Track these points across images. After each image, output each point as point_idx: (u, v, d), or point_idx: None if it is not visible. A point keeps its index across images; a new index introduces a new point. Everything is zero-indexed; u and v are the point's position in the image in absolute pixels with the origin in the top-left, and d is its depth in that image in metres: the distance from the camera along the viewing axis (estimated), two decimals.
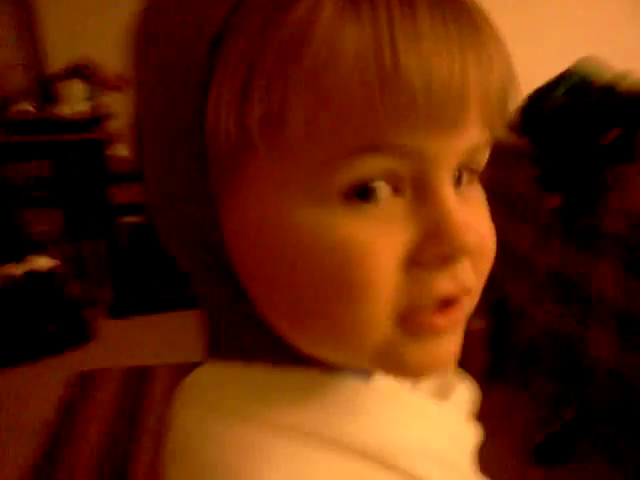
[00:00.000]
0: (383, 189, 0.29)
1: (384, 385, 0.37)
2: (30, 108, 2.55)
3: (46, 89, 4.28)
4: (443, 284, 0.31)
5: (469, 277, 0.32)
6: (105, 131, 2.58)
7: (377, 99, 0.27)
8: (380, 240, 0.29)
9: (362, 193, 0.29)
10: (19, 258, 2.28)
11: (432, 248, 0.30)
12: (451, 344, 0.33)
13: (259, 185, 0.30)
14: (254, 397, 0.34)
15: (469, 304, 0.34)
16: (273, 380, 0.35)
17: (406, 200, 0.30)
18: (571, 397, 1.74)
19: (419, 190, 0.30)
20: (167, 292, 2.77)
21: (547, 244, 1.82)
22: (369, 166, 0.28)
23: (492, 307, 2.16)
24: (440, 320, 0.32)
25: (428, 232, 0.30)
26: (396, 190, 0.30)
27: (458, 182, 0.32)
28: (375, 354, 0.32)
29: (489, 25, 0.31)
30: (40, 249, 2.44)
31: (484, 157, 0.33)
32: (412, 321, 0.31)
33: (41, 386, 2.07)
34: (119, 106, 3.48)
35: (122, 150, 3.85)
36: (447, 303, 0.31)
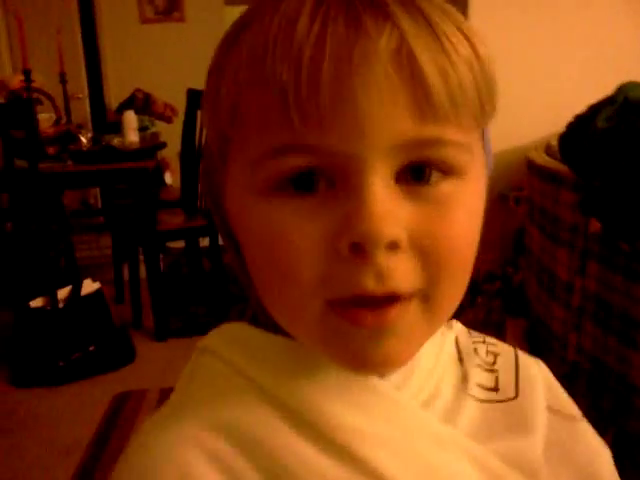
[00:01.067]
0: (310, 182, 0.32)
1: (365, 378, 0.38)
2: (85, 140, 2.68)
3: (104, 120, 4.52)
4: (363, 279, 0.31)
5: (404, 278, 0.32)
6: (155, 160, 2.68)
7: (288, 102, 0.30)
8: (305, 228, 0.32)
9: (292, 185, 0.32)
10: (66, 282, 2.37)
11: (346, 236, 0.31)
12: (387, 345, 0.33)
13: (232, 179, 0.36)
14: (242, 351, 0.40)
15: (417, 308, 0.33)
16: (262, 340, 0.40)
17: (333, 192, 0.32)
18: (609, 425, 1.67)
19: (344, 183, 0.32)
20: (208, 316, 2.83)
21: (586, 269, 1.78)
22: (292, 163, 0.32)
23: (527, 331, 2.11)
24: (363, 317, 0.32)
25: (344, 221, 0.31)
26: (323, 183, 0.32)
27: (421, 179, 0.33)
28: (318, 337, 0.34)
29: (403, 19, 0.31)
30: (86, 273, 2.54)
31: (453, 153, 0.33)
32: (337, 311, 0.32)
33: (84, 405, 2.12)
34: (168, 135, 3.63)
35: (168, 178, 4.00)
36: (375, 301, 0.31)
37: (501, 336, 2.19)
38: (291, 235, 0.32)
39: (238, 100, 0.33)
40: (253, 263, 0.36)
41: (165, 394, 1.63)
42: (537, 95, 2.94)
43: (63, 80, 3.29)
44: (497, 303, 2.41)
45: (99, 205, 4.02)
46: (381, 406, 0.37)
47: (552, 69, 2.93)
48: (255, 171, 0.33)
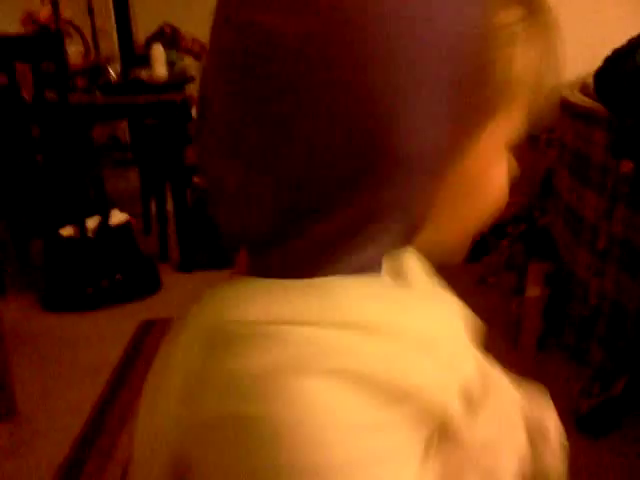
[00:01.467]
0: None
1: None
2: (114, 72, 2.68)
3: (132, 53, 4.49)
4: None
5: None
6: (183, 93, 2.67)
7: None
8: None
9: None
10: (95, 212, 2.42)
11: None
12: None
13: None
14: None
15: None
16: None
17: None
18: (623, 370, 1.68)
19: None
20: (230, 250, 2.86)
21: (613, 212, 1.75)
22: None
23: (551, 275, 2.10)
24: None
25: None
26: None
27: None
28: None
29: None
30: (115, 205, 2.58)
31: None
32: None
33: (111, 330, 2.21)
34: (196, 71, 3.59)
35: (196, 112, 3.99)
36: None
37: (524, 280, 2.18)
38: None
39: None
40: (475, 199, 0.41)
41: None
42: (574, 31, 2.81)
43: (91, 13, 3.26)
44: (520, 246, 2.39)
45: (127, 140, 4.05)
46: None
47: (590, 2, 2.79)
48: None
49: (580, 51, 2.83)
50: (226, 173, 0.37)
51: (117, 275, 2.35)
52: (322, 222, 0.35)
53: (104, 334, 2.19)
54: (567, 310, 2.04)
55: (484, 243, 2.65)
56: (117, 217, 2.45)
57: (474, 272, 2.57)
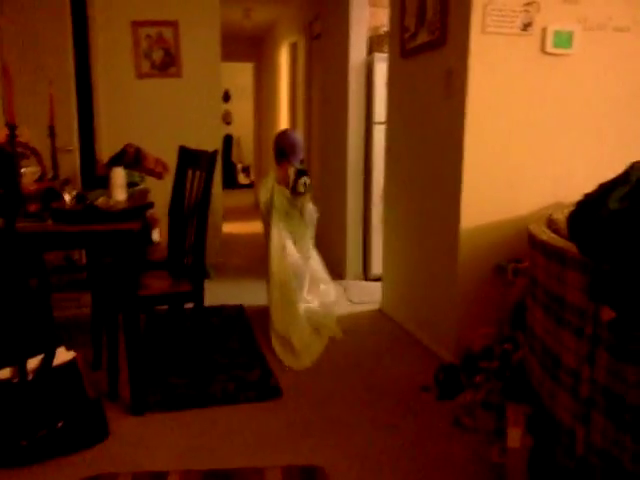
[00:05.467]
0: None
1: None
2: (69, 197, 2.57)
3: (93, 174, 4.44)
4: None
5: None
6: (141, 221, 2.56)
7: None
8: None
9: None
10: (39, 350, 2.22)
11: None
12: None
13: None
14: None
15: None
16: None
17: None
18: None
19: None
20: (189, 388, 2.66)
21: (595, 358, 1.66)
22: None
23: (531, 417, 1.97)
24: None
25: None
26: None
27: None
28: None
29: None
30: (64, 333, 2.38)
31: None
32: None
33: None
34: (157, 191, 3.53)
35: (156, 235, 3.89)
36: None
37: (503, 422, 2.03)
38: None
39: None
40: None
41: None
42: (536, 165, 2.88)
43: (52, 133, 3.20)
44: (496, 384, 2.26)
45: (83, 261, 3.89)
46: None
47: (550, 138, 2.88)
48: None
49: (541, 183, 2.89)
50: None
51: (58, 422, 2.11)
52: None
53: None
54: (553, 459, 1.90)
55: (457, 379, 2.53)
56: (62, 355, 2.24)
57: (447, 411, 2.42)
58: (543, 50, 2.80)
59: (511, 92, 2.81)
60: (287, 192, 3.60)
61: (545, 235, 2.05)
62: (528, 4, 2.75)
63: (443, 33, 2.96)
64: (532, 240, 2.16)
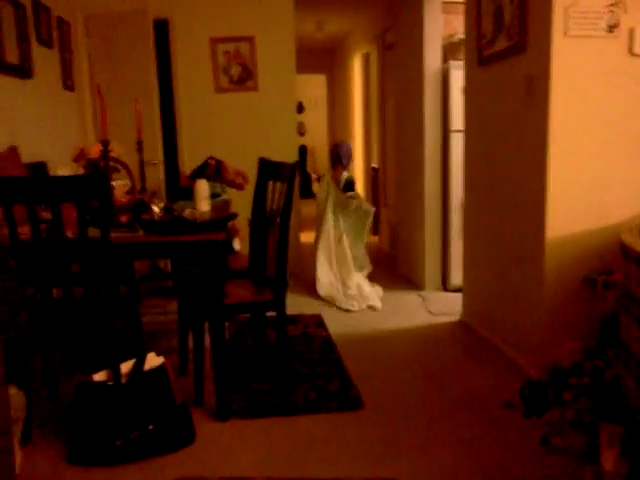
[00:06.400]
0: None
1: None
2: (158, 209, 2.68)
3: (177, 185, 4.62)
4: None
5: None
6: (225, 231, 2.64)
7: None
8: None
9: None
10: (131, 355, 2.32)
11: None
12: None
13: None
14: None
15: None
16: None
17: None
18: None
19: None
20: (272, 395, 2.71)
21: None
22: None
23: (627, 439, 1.87)
24: None
25: None
26: None
27: None
28: None
29: None
30: (152, 338, 2.48)
31: None
32: None
33: None
34: (238, 202, 3.63)
35: (237, 245, 3.99)
36: None
37: (595, 443, 1.95)
38: None
39: None
40: None
41: None
42: (626, 171, 2.75)
43: (140, 148, 3.36)
44: (587, 402, 2.17)
45: (169, 269, 4.04)
46: None
47: None
48: None
49: (632, 191, 2.76)
50: None
51: (149, 425, 2.20)
52: None
53: None
54: None
55: (544, 395, 2.44)
56: (152, 360, 2.33)
57: (534, 429, 2.34)
58: (631, 52, 2.68)
59: (597, 97, 2.70)
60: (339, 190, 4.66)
61: (638, 245, 1.95)
62: (613, 4, 2.65)
63: (523, 38, 2.89)
64: (625, 251, 2.07)
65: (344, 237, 4.63)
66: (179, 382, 2.76)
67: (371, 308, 4.30)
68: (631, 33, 2.67)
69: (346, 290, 4.48)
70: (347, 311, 4.25)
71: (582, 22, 2.66)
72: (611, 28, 2.66)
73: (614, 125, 2.72)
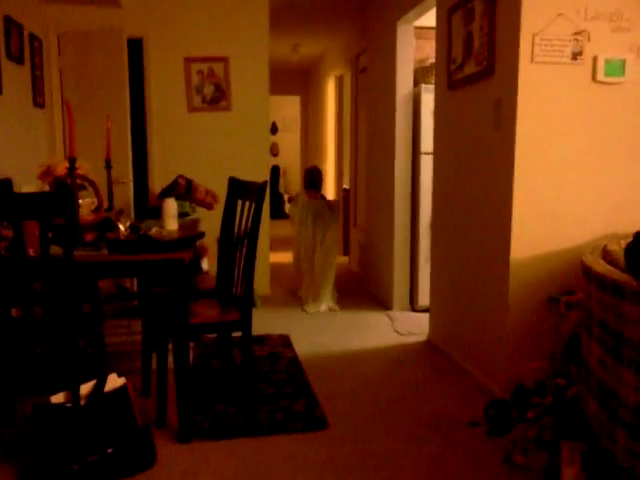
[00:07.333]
0: None
1: None
2: (124, 228, 2.65)
3: (145, 204, 4.58)
4: None
5: None
6: (192, 250, 2.62)
7: None
8: None
9: None
10: (92, 376, 2.27)
11: None
12: None
13: None
14: None
15: None
16: None
17: None
18: None
19: None
20: (236, 416, 2.67)
21: None
22: None
23: (586, 455, 1.88)
24: None
25: None
26: None
27: None
28: None
29: None
30: (114, 359, 2.43)
31: None
32: None
33: None
34: (207, 221, 3.62)
35: (205, 264, 3.96)
36: None
37: (556, 460, 1.96)
38: None
39: None
40: None
41: None
42: (588, 195, 2.82)
43: (109, 166, 3.33)
44: (549, 420, 2.19)
45: (134, 289, 3.99)
46: None
47: (603, 167, 2.82)
48: None
49: (594, 213, 2.83)
50: None
51: (108, 448, 2.14)
52: None
53: None
54: None
55: (507, 415, 2.45)
56: (113, 381, 2.29)
57: (497, 448, 2.35)
58: (594, 79, 2.76)
59: (562, 122, 2.77)
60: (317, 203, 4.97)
61: (601, 267, 1.99)
62: (577, 33, 2.73)
63: (491, 63, 2.96)
64: (587, 272, 2.10)
65: (319, 248, 4.94)
66: (141, 403, 2.71)
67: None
68: (594, 61, 2.75)
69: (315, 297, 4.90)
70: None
71: (548, 49, 2.73)
72: (575, 55, 2.74)
73: (577, 149, 2.79)
